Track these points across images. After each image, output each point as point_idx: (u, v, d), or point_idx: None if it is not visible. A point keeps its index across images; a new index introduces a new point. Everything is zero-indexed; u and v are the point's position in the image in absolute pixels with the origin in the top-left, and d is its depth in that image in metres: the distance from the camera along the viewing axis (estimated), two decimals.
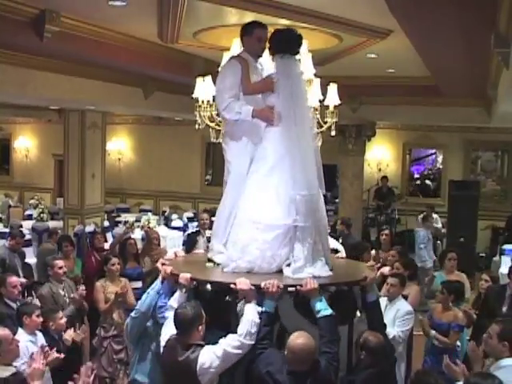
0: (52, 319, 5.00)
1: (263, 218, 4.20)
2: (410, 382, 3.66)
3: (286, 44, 4.44)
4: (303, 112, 4.46)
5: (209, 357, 3.59)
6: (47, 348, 4.10)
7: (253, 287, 3.81)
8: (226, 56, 6.03)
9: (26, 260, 8.77)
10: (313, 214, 4.26)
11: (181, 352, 3.64)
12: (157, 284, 4.29)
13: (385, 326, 4.37)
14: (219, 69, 4.97)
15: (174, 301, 4.00)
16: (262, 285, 3.81)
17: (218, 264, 4.39)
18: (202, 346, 3.65)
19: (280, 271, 4.19)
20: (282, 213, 4.20)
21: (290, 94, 4.34)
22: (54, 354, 4.12)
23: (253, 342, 3.67)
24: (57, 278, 6.11)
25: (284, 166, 4.26)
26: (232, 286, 3.83)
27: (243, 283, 3.80)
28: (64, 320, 5.13)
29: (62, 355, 4.34)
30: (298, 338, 3.54)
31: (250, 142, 4.46)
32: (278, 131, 4.35)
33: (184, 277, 4.02)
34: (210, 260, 4.50)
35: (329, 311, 3.78)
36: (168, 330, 3.85)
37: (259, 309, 3.78)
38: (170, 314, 3.91)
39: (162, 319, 4.09)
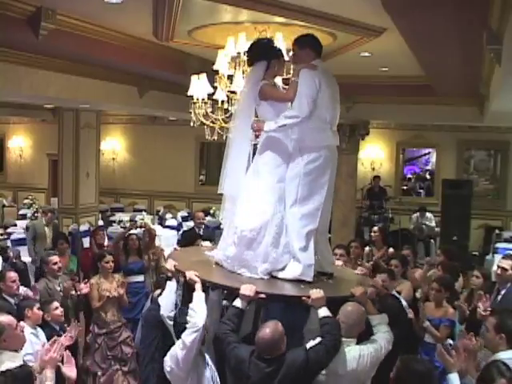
0: (47, 310, 5.00)
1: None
2: (396, 369, 3.34)
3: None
4: None
5: None
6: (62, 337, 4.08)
7: None
8: (221, 54, 6.09)
9: (21, 258, 8.75)
10: None
11: None
12: None
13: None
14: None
15: None
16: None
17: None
18: None
19: None
20: None
21: None
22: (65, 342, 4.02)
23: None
24: (52, 274, 6.14)
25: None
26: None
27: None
28: (60, 310, 5.14)
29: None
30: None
31: None
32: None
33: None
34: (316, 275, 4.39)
35: None
36: None
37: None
38: None
39: None
